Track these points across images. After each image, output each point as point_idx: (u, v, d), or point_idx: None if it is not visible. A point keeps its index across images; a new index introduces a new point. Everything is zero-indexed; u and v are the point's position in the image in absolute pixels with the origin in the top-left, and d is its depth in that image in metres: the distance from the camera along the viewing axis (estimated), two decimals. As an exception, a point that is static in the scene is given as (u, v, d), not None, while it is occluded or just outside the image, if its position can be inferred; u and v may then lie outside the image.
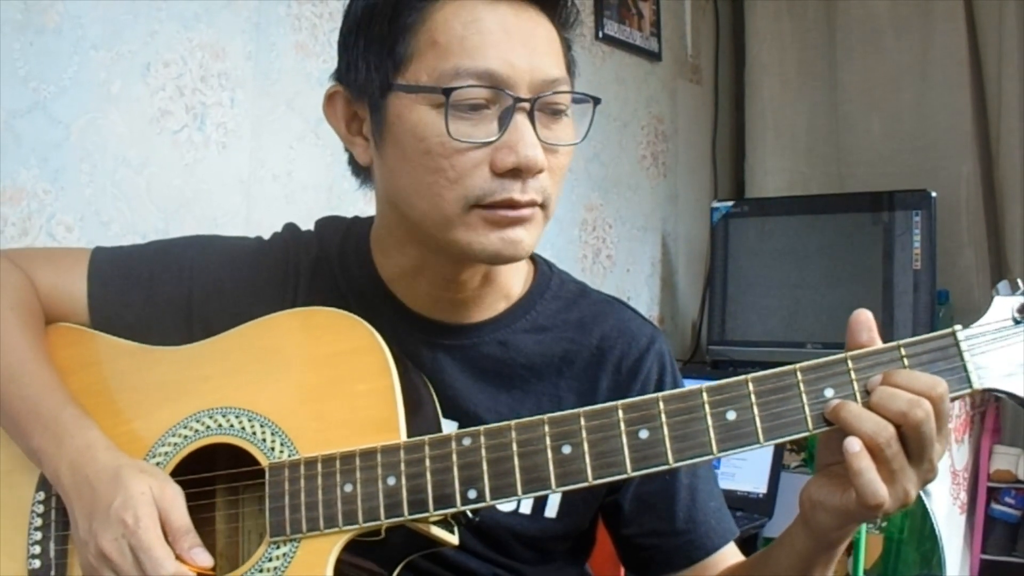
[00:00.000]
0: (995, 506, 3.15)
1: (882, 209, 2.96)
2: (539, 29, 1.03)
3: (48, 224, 1.84)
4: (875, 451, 0.86)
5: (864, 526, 2.59)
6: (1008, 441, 3.21)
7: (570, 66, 1.09)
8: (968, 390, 0.88)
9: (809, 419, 0.88)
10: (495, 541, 1.13)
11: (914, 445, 0.87)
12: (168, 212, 2.02)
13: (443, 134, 0.98)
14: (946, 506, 2.88)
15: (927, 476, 0.89)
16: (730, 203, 3.20)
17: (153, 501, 0.97)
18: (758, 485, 2.56)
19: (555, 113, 1.04)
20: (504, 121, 0.99)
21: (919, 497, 2.59)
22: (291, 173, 2.26)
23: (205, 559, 0.97)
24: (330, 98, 1.11)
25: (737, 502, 2.53)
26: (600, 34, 3.11)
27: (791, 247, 3.07)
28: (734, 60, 3.78)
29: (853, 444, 0.86)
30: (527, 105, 1.00)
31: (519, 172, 0.99)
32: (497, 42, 1.00)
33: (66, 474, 1.02)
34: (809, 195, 3.44)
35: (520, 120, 0.99)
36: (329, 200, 2.31)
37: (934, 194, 2.89)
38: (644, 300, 3.34)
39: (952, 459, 2.91)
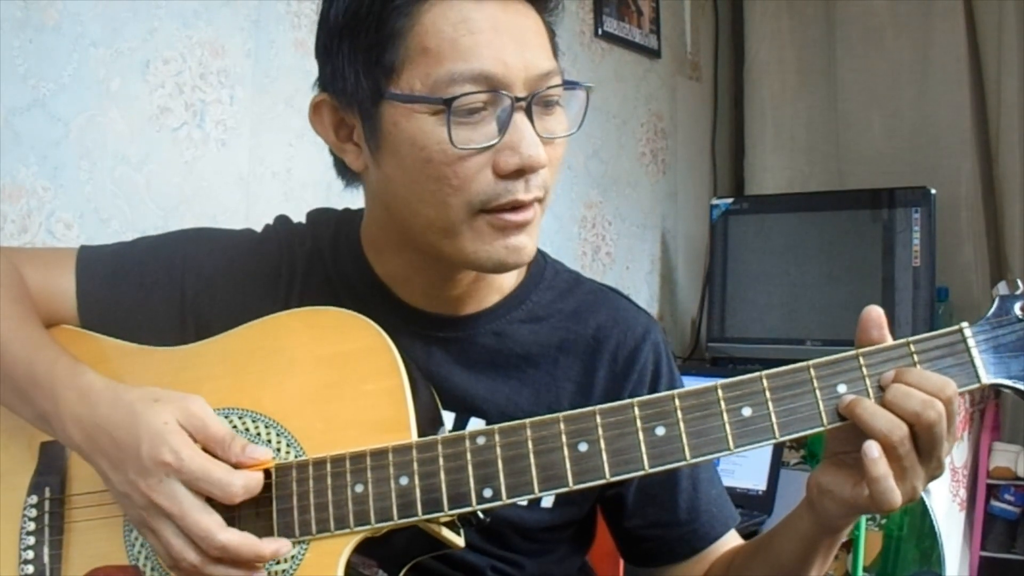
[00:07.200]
0: (994, 503, 3.14)
1: (882, 206, 2.95)
2: (527, 21, 1.02)
3: (48, 221, 1.84)
4: (888, 448, 0.87)
5: (863, 523, 2.59)
6: (1008, 438, 3.20)
7: (555, 52, 1.07)
8: (976, 384, 0.90)
9: (823, 414, 0.90)
10: (494, 534, 1.12)
11: (925, 444, 0.88)
12: (167, 209, 2.02)
13: (444, 142, 0.97)
14: (946, 503, 2.87)
15: (935, 473, 0.91)
16: (729, 200, 3.19)
17: (181, 428, 0.93)
18: (758, 482, 2.56)
19: (548, 105, 1.02)
20: (503, 122, 0.98)
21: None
22: (290, 170, 2.26)
23: (263, 452, 0.95)
24: (316, 107, 1.09)
25: (737, 499, 2.50)
26: (599, 31, 3.10)
27: (791, 244, 3.06)
28: (733, 57, 3.77)
29: (872, 450, 0.87)
30: (524, 104, 0.99)
31: (522, 172, 0.98)
32: (489, 41, 0.97)
33: (74, 431, 0.98)
34: (809, 192, 3.43)
35: (519, 119, 0.98)
36: (328, 197, 2.28)
37: (934, 191, 2.88)
38: (643, 297, 3.33)
39: (952, 456, 2.91)
